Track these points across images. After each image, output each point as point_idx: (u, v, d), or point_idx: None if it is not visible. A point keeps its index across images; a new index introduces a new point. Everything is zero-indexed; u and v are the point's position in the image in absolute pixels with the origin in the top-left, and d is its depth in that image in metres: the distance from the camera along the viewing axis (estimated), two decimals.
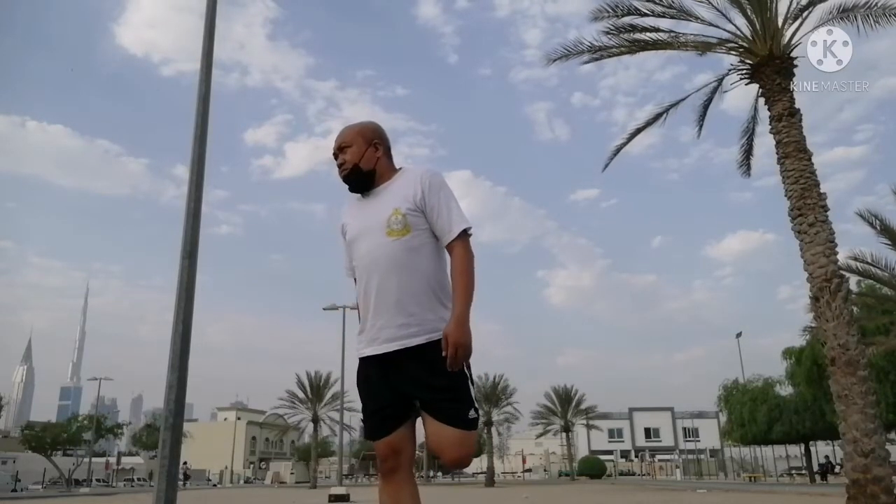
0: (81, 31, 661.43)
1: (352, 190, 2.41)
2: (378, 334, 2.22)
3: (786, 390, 32.25)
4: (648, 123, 11.48)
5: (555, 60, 10.81)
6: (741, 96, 11.54)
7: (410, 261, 2.22)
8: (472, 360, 2.23)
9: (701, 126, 11.70)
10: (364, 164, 2.36)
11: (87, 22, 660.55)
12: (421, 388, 2.18)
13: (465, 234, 2.26)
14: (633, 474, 64.39)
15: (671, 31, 10.39)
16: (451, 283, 2.24)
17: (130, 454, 69.12)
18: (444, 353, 2.09)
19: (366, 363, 2.28)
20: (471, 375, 2.23)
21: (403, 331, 2.18)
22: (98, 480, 52.73)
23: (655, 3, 10.11)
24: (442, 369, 2.12)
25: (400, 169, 2.43)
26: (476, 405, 2.22)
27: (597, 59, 10.78)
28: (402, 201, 2.26)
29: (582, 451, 64.25)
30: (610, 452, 66.17)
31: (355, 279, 2.39)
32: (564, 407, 51.76)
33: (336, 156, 2.41)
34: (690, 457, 57.25)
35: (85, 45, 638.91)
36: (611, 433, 69.75)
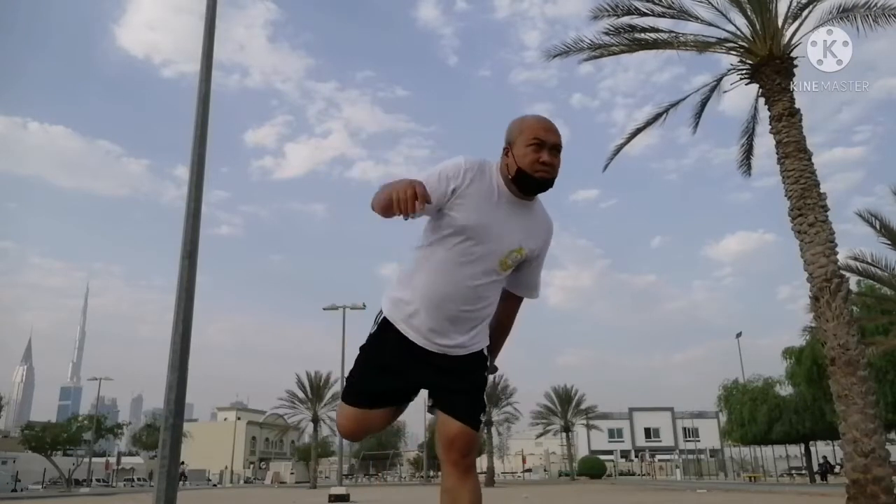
0: (82, 32, 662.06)
1: (522, 189, 2.07)
2: (430, 336, 2.15)
3: (786, 390, 32.27)
4: (648, 123, 11.49)
5: (555, 56, 10.83)
6: (740, 98, 11.55)
7: (491, 291, 2.18)
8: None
9: (697, 123, 11.70)
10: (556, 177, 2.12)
11: (88, 23, 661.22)
12: (444, 380, 2.18)
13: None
14: (633, 474, 64.34)
15: (671, 31, 10.40)
16: (498, 332, 2.32)
17: (130, 454, 69.06)
18: (485, 365, 2.27)
19: (400, 340, 2.18)
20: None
21: (459, 340, 2.18)
22: (98, 480, 52.71)
23: (655, 3, 10.12)
24: (472, 373, 2.23)
25: (536, 198, 2.18)
26: (485, 409, 2.29)
27: (597, 57, 10.79)
28: (528, 245, 2.14)
29: (582, 451, 64.20)
30: (610, 452, 66.11)
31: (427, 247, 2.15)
32: (564, 407, 51.75)
33: (542, 146, 2.02)
34: (690, 457, 57.20)
35: (86, 46, 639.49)
36: (611, 433, 69.70)
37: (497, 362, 2.41)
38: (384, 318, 2.23)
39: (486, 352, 2.29)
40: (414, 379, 2.23)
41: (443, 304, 2.11)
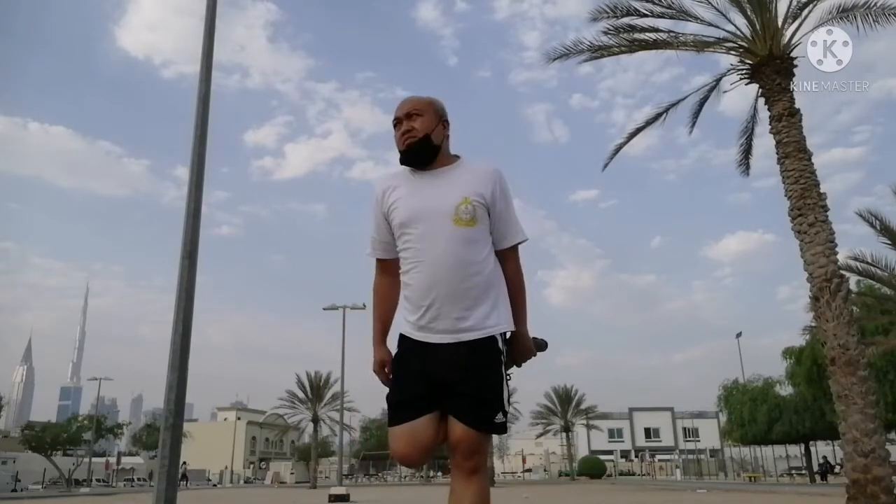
0: (83, 33, 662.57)
1: (408, 163, 2.26)
2: (433, 324, 2.16)
3: (786, 390, 32.28)
4: (648, 123, 11.49)
5: (555, 59, 10.83)
6: (739, 99, 11.56)
7: (471, 254, 2.16)
8: None
9: (694, 123, 11.70)
10: (435, 137, 2.23)
11: (89, 24, 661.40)
12: (455, 381, 2.12)
13: (517, 246, 2.31)
14: (633, 474, 64.29)
15: (670, 31, 10.39)
16: (509, 291, 2.27)
17: (130, 454, 69.03)
18: (493, 350, 2.15)
19: (412, 347, 2.21)
20: (508, 380, 2.21)
21: (458, 324, 2.14)
22: (98, 480, 52.66)
23: (655, 3, 10.11)
24: (486, 368, 2.14)
25: (458, 157, 2.32)
26: (507, 408, 2.18)
27: (596, 58, 10.78)
28: (471, 192, 2.18)
29: (582, 451, 64.17)
30: (610, 452, 66.05)
31: (381, 258, 2.35)
32: (564, 407, 51.75)
33: (399, 122, 2.25)
34: (690, 457, 57.15)
35: (86, 47, 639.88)
36: (611, 433, 69.67)
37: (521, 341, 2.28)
38: (399, 334, 2.26)
39: (501, 344, 2.19)
40: (433, 376, 2.15)
41: (433, 288, 2.14)
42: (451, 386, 2.13)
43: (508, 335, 2.25)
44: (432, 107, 2.28)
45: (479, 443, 2.12)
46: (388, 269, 2.33)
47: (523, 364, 2.32)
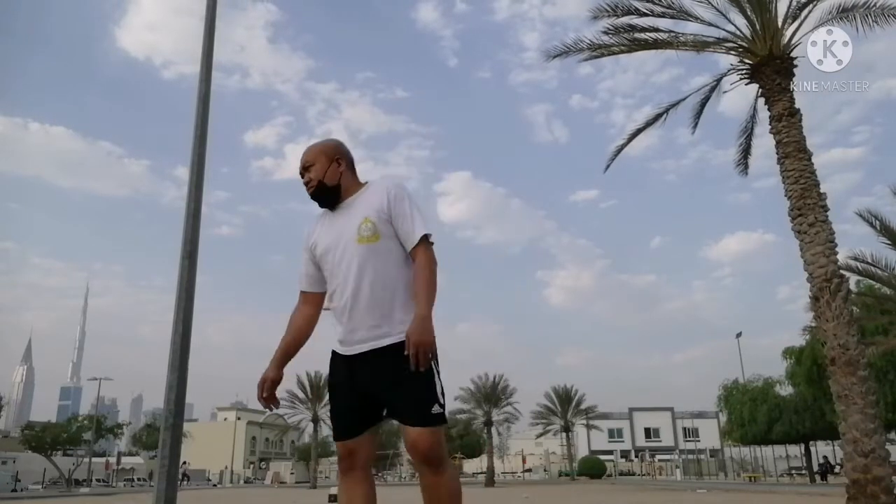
0: (83, 33, 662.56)
1: (321, 205, 2.52)
2: (350, 336, 2.34)
3: (786, 390, 32.28)
4: (648, 124, 11.49)
5: (555, 57, 10.83)
6: (739, 100, 11.55)
7: (380, 265, 2.34)
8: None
9: (696, 123, 11.69)
10: (328, 179, 2.46)
11: (89, 24, 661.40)
12: (386, 388, 2.27)
13: (426, 240, 2.36)
14: (633, 474, 64.30)
15: (671, 31, 10.39)
16: (413, 280, 2.33)
17: (130, 454, 69.01)
18: (405, 353, 2.16)
19: (338, 363, 2.40)
20: (438, 370, 2.28)
21: (374, 332, 2.29)
22: (98, 480, 52.64)
23: (655, 3, 10.11)
24: (405, 369, 2.18)
25: (366, 183, 2.54)
26: (441, 400, 2.26)
27: (596, 57, 10.78)
28: (370, 211, 2.38)
29: (582, 451, 64.17)
30: (610, 452, 66.03)
31: (305, 290, 2.56)
32: (564, 407, 51.69)
33: (302, 175, 2.50)
34: (690, 457, 57.14)
35: (86, 47, 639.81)
36: (611, 433, 69.66)
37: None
38: (331, 352, 2.44)
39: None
40: (360, 385, 2.32)
41: (348, 302, 2.33)
42: (381, 391, 2.28)
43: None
44: (321, 153, 2.50)
45: (429, 438, 2.22)
46: (308, 301, 2.55)
47: (421, 349, 2.15)
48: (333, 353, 2.42)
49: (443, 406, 2.26)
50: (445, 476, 2.28)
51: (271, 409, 2.52)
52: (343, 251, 2.37)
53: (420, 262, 2.34)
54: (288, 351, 2.51)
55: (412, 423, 2.23)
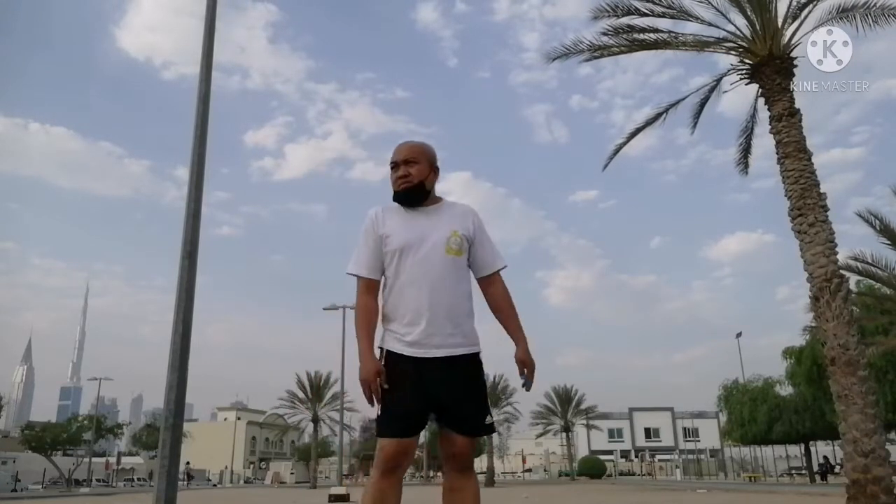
0: (83, 34, 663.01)
1: (401, 201, 2.53)
2: (426, 339, 2.37)
3: (786, 390, 32.24)
4: (648, 123, 11.48)
5: (555, 59, 10.82)
6: (738, 100, 11.55)
7: (460, 279, 2.48)
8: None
9: (695, 123, 11.68)
10: (427, 183, 2.54)
11: (89, 25, 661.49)
12: (454, 396, 2.36)
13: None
14: (633, 474, 64.32)
15: (670, 32, 10.39)
16: (501, 311, 2.58)
17: (130, 454, 69.05)
18: (523, 376, 2.48)
19: (402, 362, 2.37)
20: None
21: (449, 339, 2.38)
22: (98, 480, 52.68)
23: (655, 3, 10.11)
24: (475, 380, 2.44)
25: (441, 199, 2.62)
26: (491, 411, 2.52)
27: (596, 58, 10.77)
28: (459, 227, 2.50)
29: (582, 451, 64.18)
30: (610, 452, 66.05)
31: (367, 277, 2.50)
32: (564, 407, 51.72)
33: (397, 165, 2.53)
34: (690, 457, 57.14)
35: (87, 48, 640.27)
36: (611, 433, 69.66)
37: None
38: (386, 351, 2.42)
39: (480, 357, 2.49)
40: (428, 389, 2.34)
41: (429, 307, 2.37)
42: (446, 399, 2.35)
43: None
44: (426, 155, 2.57)
45: (471, 446, 2.42)
46: (372, 288, 2.53)
47: (533, 377, 2.52)
48: (391, 353, 2.40)
49: (491, 416, 2.49)
50: (473, 479, 2.44)
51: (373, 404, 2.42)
52: (427, 255, 2.42)
53: (505, 291, 2.59)
54: (373, 340, 2.47)
55: (468, 432, 2.38)
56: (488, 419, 2.43)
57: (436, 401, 2.34)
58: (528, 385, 2.48)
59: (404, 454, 2.33)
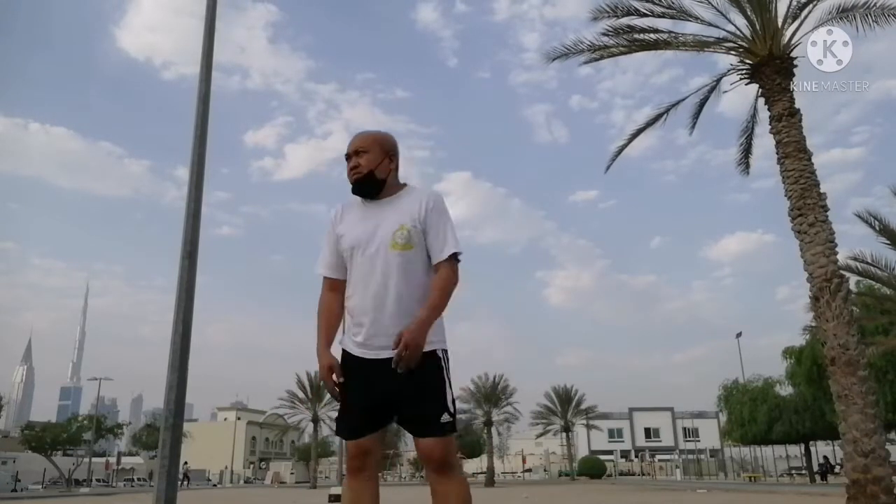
0: (83, 34, 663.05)
1: (357, 193, 2.47)
2: (371, 340, 2.32)
3: (786, 390, 32.25)
4: (648, 124, 11.49)
5: (555, 59, 10.83)
6: (739, 98, 11.54)
7: (409, 275, 2.33)
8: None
9: (694, 124, 11.69)
10: (379, 172, 2.43)
11: (89, 24, 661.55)
12: (400, 398, 2.27)
13: (454, 258, 2.37)
14: (633, 474, 64.31)
15: (670, 32, 10.39)
16: (427, 294, 2.33)
17: (130, 454, 69.01)
18: (393, 348, 2.18)
19: (353, 362, 2.36)
20: (449, 379, 2.33)
21: (395, 340, 2.23)
22: (98, 480, 52.64)
23: (655, 3, 10.11)
24: (429, 379, 2.27)
25: (405, 185, 2.51)
26: (451, 409, 2.29)
27: (596, 59, 10.78)
28: (407, 218, 2.36)
29: (582, 451, 64.17)
30: (610, 452, 66.04)
31: (329, 276, 2.50)
32: (564, 407, 51.69)
33: (349, 157, 2.45)
34: (690, 457, 57.11)
35: (87, 48, 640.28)
36: (611, 433, 69.64)
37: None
38: (342, 350, 2.40)
39: (443, 361, 2.33)
40: (374, 390, 2.29)
41: (372, 308, 2.31)
42: (397, 400, 2.28)
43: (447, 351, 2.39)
44: (378, 143, 2.46)
45: (441, 447, 2.26)
46: (335, 287, 2.49)
47: (409, 351, 2.15)
48: (346, 352, 2.39)
49: (452, 415, 2.29)
50: (456, 482, 2.30)
51: (339, 399, 2.38)
52: (374, 253, 2.34)
53: (442, 275, 2.34)
54: (329, 337, 2.44)
55: (423, 433, 2.26)
56: (444, 417, 2.26)
57: (387, 401, 2.29)
58: (396, 363, 2.15)
59: (364, 454, 2.32)
